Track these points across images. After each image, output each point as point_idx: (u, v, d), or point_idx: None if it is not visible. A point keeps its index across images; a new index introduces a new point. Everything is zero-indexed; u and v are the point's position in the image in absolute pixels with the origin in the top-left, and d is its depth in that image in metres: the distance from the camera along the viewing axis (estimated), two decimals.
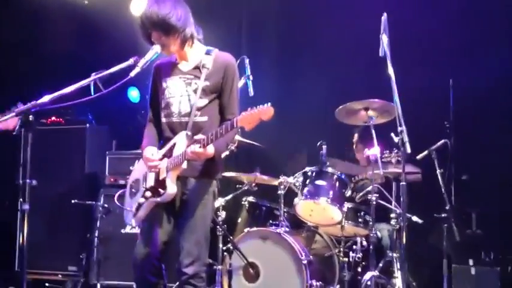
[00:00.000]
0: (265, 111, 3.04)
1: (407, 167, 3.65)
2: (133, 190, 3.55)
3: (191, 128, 3.34)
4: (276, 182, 4.91)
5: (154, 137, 3.53)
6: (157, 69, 3.53)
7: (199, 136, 3.20)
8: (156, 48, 3.32)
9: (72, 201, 5.64)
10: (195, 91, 3.38)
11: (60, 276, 5.89)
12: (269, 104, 3.05)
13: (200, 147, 3.16)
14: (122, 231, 5.63)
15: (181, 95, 3.41)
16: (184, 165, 3.26)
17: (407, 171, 3.80)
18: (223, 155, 3.73)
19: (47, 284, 5.91)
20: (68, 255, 5.87)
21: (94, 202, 5.70)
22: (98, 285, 5.52)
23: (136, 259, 3.40)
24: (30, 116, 2.80)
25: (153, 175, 3.40)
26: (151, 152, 3.40)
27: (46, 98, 2.92)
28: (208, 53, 3.45)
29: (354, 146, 5.55)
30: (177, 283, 3.42)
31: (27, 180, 2.86)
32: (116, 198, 3.63)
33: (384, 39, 3.59)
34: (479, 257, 5.04)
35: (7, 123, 3.52)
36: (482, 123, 5.62)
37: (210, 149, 3.23)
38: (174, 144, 3.35)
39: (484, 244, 5.11)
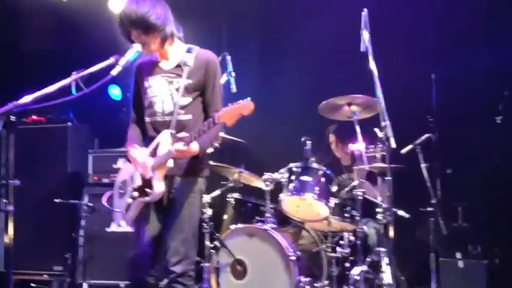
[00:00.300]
0: (245, 105, 3.04)
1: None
2: (121, 191, 3.53)
3: (175, 127, 3.33)
4: (261, 182, 4.88)
5: (138, 137, 3.51)
6: (139, 68, 3.51)
7: (183, 134, 3.20)
8: (137, 47, 3.29)
9: (56, 200, 5.60)
10: (177, 89, 3.37)
11: (45, 276, 5.84)
12: (249, 98, 3.06)
13: (184, 145, 3.16)
14: (107, 230, 5.59)
15: (164, 94, 3.40)
16: (170, 163, 3.25)
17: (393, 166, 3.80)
18: (208, 152, 3.72)
19: (32, 285, 5.86)
20: (53, 255, 5.82)
21: (78, 201, 5.67)
22: (84, 285, 5.49)
23: (130, 259, 3.39)
24: (12, 117, 2.77)
25: (139, 175, 3.38)
26: (138, 152, 3.38)
27: (28, 98, 2.88)
28: (189, 51, 3.45)
29: (333, 146, 5.53)
30: (165, 282, 3.42)
31: (10, 181, 2.82)
32: (104, 200, 3.59)
33: (365, 34, 3.61)
34: (466, 250, 5.08)
35: None
36: (465, 117, 5.65)
37: (194, 147, 3.23)
38: (158, 143, 3.33)
39: (470, 237, 5.15)
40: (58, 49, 6.76)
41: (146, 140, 3.48)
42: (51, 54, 6.70)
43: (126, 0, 3.33)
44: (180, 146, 3.16)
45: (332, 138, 5.46)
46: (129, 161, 3.46)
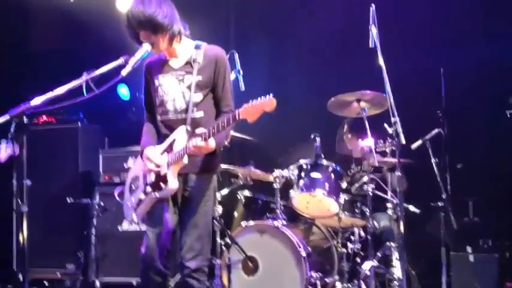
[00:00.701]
0: (268, 102, 3.05)
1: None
2: (133, 187, 3.55)
3: (190, 124, 3.34)
4: (271, 178, 4.90)
5: (154, 135, 3.52)
6: (149, 68, 3.53)
7: (201, 130, 3.20)
8: (146, 47, 3.31)
9: (68, 200, 5.64)
10: (188, 87, 3.38)
11: (58, 274, 5.91)
12: (271, 94, 3.06)
13: (202, 140, 3.16)
14: (119, 228, 5.65)
15: (175, 92, 3.41)
16: (185, 160, 3.27)
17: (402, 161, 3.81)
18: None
19: (45, 283, 5.91)
20: (66, 253, 5.88)
21: (89, 200, 5.71)
22: (97, 283, 5.53)
23: (144, 255, 3.40)
24: (25, 118, 2.80)
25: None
26: (153, 151, 3.39)
27: (39, 100, 2.91)
28: (197, 47, 3.46)
29: (345, 137, 5.53)
30: (179, 276, 3.42)
31: (24, 182, 2.86)
32: (116, 194, 3.62)
33: (373, 30, 3.60)
34: (477, 244, 5.06)
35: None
36: (475, 111, 5.64)
37: (212, 143, 3.23)
38: (174, 140, 3.35)
39: (481, 231, 5.14)
40: (66, 49, 6.78)
41: (160, 138, 3.50)
42: (59, 54, 6.72)
43: (132, 2, 3.35)
44: (198, 141, 3.17)
45: (346, 128, 5.44)
46: (142, 157, 3.47)
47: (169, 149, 3.36)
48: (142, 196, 3.43)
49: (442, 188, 4.83)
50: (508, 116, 5.18)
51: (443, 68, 5.33)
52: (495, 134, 5.55)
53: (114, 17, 5.91)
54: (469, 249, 5.05)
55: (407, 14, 5.77)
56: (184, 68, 3.43)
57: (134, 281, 5.44)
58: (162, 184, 3.34)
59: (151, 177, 3.41)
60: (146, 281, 3.44)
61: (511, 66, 5.52)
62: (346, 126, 5.44)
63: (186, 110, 3.37)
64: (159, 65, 3.49)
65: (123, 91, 6.51)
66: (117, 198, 3.62)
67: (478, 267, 4.97)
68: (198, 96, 3.38)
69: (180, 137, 3.33)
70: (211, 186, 3.46)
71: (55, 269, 5.91)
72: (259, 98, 3.07)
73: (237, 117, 3.10)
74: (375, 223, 4.78)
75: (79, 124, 6.17)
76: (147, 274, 3.42)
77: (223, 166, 4.90)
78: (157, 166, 3.35)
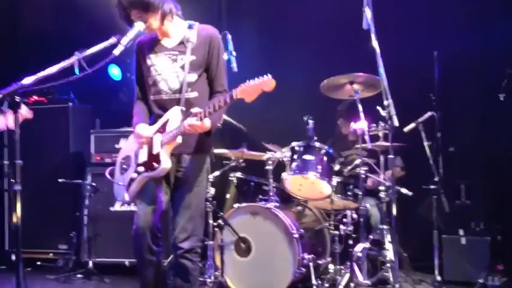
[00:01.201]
0: (267, 82, 3.04)
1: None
2: (124, 167, 3.53)
3: (184, 105, 3.33)
4: (264, 157, 4.90)
5: (145, 114, 3.50)
6: (140, 46, 3.50)
7: (197, 109, 3.18)
8: (139, 26, 3.28)
9: (59, 180, 5.63)
10: (182, 67, 3.36)
11: (51, 254, 5.92)
12: (269, 75, 3.05)
13: (197, 119, 3.15)
14: (111, 209, 5.65)
15: (169, 72, 3.39)
16: (179, 139, 3.26)
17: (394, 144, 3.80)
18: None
19: (38, 263, 5.91)
20: (58, 234, 5.90)
21: (81, 181, 5.69)
22: (90, 263, 5.54)
23: (135, 232, 3.39)
24: (17, 97, 2.78)
25: (145, 151, 3.39)
26: (144, 128, 3.38)
27: (31, 79, 2.89)
28: (190, 27, 3.44)
29: (340, 122, 5.56)
30: (172, 257, 3.41)
31: (17, 161, 2.84)
32: (107, 173, 3.59)
33: (367, 12, 3.57)
34: (469, 227, 5.11)
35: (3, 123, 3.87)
36: (468, 95, 5.64)
37: (207, 122, 3.21)
38: (168, 119, 3.33)
39: (473, 214, 5.18)
40: (56, 29, 6.72)
41: (152, 117, 3.48)
42: (50, 34, 6.67)
43: None
44: (193, 120, 3.15)
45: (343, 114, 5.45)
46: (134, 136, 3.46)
47: (162, 129, 3.35)
48: (134, 175, 3.42)
49: (435, 171, 4.84)
50: (501, 99, 5.17)
51: (437, 51, 5.31)
52: (488, 117, 5.56)
53: None
54: (461, 232, 5.09)
55: None
56: (178, 48, 3.40)
57: (127, 261, 5.46)
58: (155, 164, 3.32)
59: (143, 157, 3.40)
60: (141, 260, 3.44)
61: (505, 49, 5.52)
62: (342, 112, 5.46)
63: (179, 90, 3.35)
64: (151, 44, 3.46)
65: (115, 71, 6.45)
66: (108, 176, 3.59)
67: (470, 250, 5.01)
68: (192, 77, 3.37)
69: (173, 117, 3.31)
70: (204, 167, 3.45)
71: (48, 250, 5.92)
72: (257, 78, 3.05)
73: (234, 96, 3.09)
74: (367, 206, 4.80)
75: (70, 104, 6.14)
76: (140, 253, 3.42)
77: (216, 148, 4.89)
78: (147, 139, 3.33)
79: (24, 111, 3.96)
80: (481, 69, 5.57)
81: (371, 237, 4.70)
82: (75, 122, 6.13)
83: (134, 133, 3.43)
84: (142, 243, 3.38)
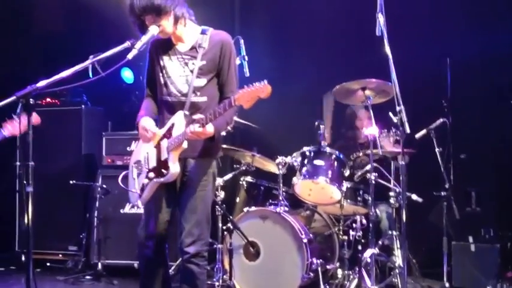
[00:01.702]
0: (263, 88, 3.04)
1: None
2: (136, 172, 3.55)
3: (189, 108, 3.35)
4: (274, 166, 4.90)
5: (152, 110, 3.52)
6: (155, 46, 3.51)
7: (198, 116, 3.20)
8: (153, 30, 3.29)
9: (71, 182, 5.67)
10: (192, 71, 3.38)
11: (60, 256, 5.95)
12: (265, 81, 3.05)
13: (199, 126, 3.17)
14: (121, 211, 5.67)
15: (179, 76, 3.41)
16: (185, 145, 3.27)
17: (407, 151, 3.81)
18: (222, 134, 3.74)
19: (48, 264, 5.95)
20: (68, 235, 5.93)
21: (92, 183, 5.72)
22: (99, 265, 5.56)
23: (141, 238, 3.44)
24: (31, 100, 2.81)
25: (154, 156, 3.41)
26: (148, 122, 3.39)
27: (45, 81, 2.91)
28: (203, 32, 3.45)
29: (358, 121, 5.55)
30: (179, 261, 3.43)
31: (29, 163, 2.87)
32: (119, 180, 3.62)
33: (380, 18, 3.57)
34: (479, 234, 5.08)
35: (14, 129, 4.03)
36: (480, 102, 5.62)
37: (210, 128, 3.23)
38: (173, 124, 3.35)
39: (483, 221, 5.15)
40: (70, 32, 6.78)
41: (159, 116, 3.49)
42: (63, 36, 6.72)
43: None
44: (195, 127, 3.17)
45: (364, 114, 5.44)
46: (138, 129, 3.46)
47: (168, 134, 3.36)
48: (146, 181, 3.44)
49: (445, 177, 4.83)
50: None
51: (450, 58, 5.30)
52: (499, 124, 5.54)
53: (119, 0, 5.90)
54: (470, 239, 5.06)
55: (415, 2, 5.74)
56: (190, 53, 3.42)
57: (136, 263, 5.45)
58: (163, 170, 3.35)
59: (153, 163, 3.42)
60: (144, 265, 3.49)
61: None
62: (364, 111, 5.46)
63: (187, 94, 3.37)
64: (166, 46, 3.48)
65: (127, 74, 6.50)
66: (120, 184, 3.61)
67: (479, 257, 4.98)
68: (201, 81, 3.38)
69: (178, 122, 3.33)
70: (209, 171, 3.45)
71: (57, 251, 5.96)
72: (253, 84, 3.06)
73: (232, 103, 3.10)
74: (377, 211, 4.79)
75: (82, 107, 6.19)
76: (144, 259, 3.46)
77: (227, 151, 4.90)
78: (151, 134, 3.35)
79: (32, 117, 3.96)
80: (493, 75, 5.55)
81: (380, 242, 4.70)
82: (88, 124, 6.17)
83: (139, 126, 3.43)
84: (146, 253, 3.42)
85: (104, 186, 5.63)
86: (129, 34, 3.33)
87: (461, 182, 5.17)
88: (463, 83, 5.47)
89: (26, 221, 2.87)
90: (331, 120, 5.13)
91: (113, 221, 5.67)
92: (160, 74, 3.46)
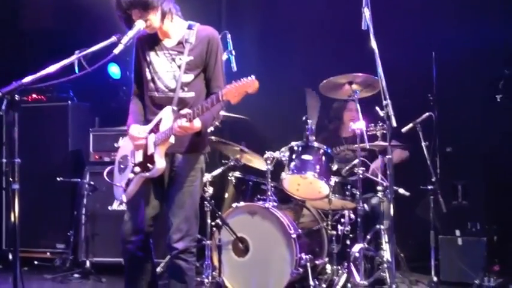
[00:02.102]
0: (250, 83, 3.05)
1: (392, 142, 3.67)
2: (121, 166, 3.55)
3: (177, 104, 3.35)
4: (262, 162, 4.90)
5: (140, 113, 3.52)
6: (141, 41, 3.50)
7: (186, 110, 3.21)
8: (139, 24, 3.28)
9: (58, 179, 5.64)
10: (179, 67, 3.38)
11: (48, 254, 5.91)
12: (253, 76, 3.06)
13: (186, 121, 3.17)
14: (109, 208, 5.63)
15: (167, 71, 3.41)
16: (172, 139, 3.28)
17: (393, 145, 3.82)
18: (209, 130, 3.74)
19: (35, 262, 5.91)
20: (56, 233, 5.90)
21: (79, 179, 5.69)
22: (87, 262, 5.53)
23: (124, 234, 3.43)
24: (16, 96, 2.78)
25: (141, 151, 3.41)
26: (137, 130, 3.39)
27: (30, 78, 2.89)
28: (190, 27, 3.45)
29: (347, 115, 5.56)
30: (168, 258, 3.42)
31: (15, 160, 2.84)
32: (105, 174, 3.61)
33: (366, 12, 3.58)
34: (466, 228, 5.12)
35: None
36: (466, 96, 5.66)
37: (197, 123, 3.24)
38: (160, 119, 3.35)
39: (470, 215, 5.19)
40: (57, 27, 6.73)
41: (147, 114, 3.49)
42: (51, 32, 6.67)
43: None
44: (182, 122, 3.18)
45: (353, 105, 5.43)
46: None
47: (155, 129, 3.36)
48: (131, 175, 3.43)
49: (432, 171, 4.86)
50: (498, 100, 5.20)
51: (435, 52, 5.33)
52: (485, 118, 5.58)
53: None
54: (457, 232, 5.11)
55: None
56: (177, 48, 3.42)
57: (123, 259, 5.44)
58: (149, 165, 3.34)
59: (139, 157, 3.41)
60: (128, 261, 3.48)
61: (503, 50, 5.54)
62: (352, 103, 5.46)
63: (175, 90, 3.37)
64: (152, 42, 3.47)
65: (114, 70, 6.46)
66: (105, 178, 3.60)
67: (466, 251, 5.03)
68: (188, 77, 3.38)
69: (166, 117, 3.33)
70: (197, 166, 3.45)
71: (45, 249, 5.92)
72: (241, 79, 3.07)
73: (220, 98, 3.10)
74: (365, 205, 4.81)
75: (69, 102, 6.14)
76: (128, 258, 3.46)
77: (215, 145, 4.89)
78: (143, 141, 3.35)
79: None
80: (478, 70, 5.58)
81: (368, 237, 4.71)
82: (74, 120, 6.13)
83: (128, 135, 3.44)
84: (130, 249, 3.41)
85: (92, 183, 5.60)
86: (116, 30, 3.32)
87: (447, 175, 5.19)
88: (448, 77, 5.49)
89: (12, 219, 2.85)
90: (316, 116, 5.15)
91: (101, 218, 5.64)
92: (147, 70, 3.45)
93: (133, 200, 3.45)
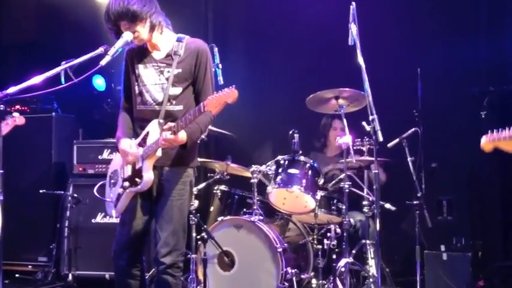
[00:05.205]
0: (229, 94, 3.04)
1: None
2: (112, 181, 3.53)
3: (164, 117, 3.33)
4: (248, 173, 4.89)
5: (129, 126, 3.51)
6: (130, 54, 3.50)
7: (170, 124, 3.19)
8: (126, 36, 3.28)
9: (41, 191, 5.57)
10: (167, 79, 3.36)
11: (30, 267, 5.82)
12: (233, 86, 3.06)
13: (171, 134, 3.16)
14: (93, 221, 5.57)
15: (155, 84, 3.40)
16: (159, 153, 3.26)
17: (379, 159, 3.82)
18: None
19: (17, 275, 5.81)
20: (38, 246, 5.82)
21: (63, 192, 5.63)
22: (70, 276, 5.45)
23: (116, 250, 3.39)
24: (1, 106, 2.76)
25: (130, 165, 3.38)
26: (128, 144, 3.37)
27: (15, 88, 2.87)
28: (179, 40, 3.44)
29: (332, 133, 5.56)
30: (153, 271, 3.39)
31: None
32: (95, 190, 3.58)
33: (353, 28, 3.61)
34: (451, 243, 5.12)
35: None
36: (451, 112, 5.70)
37: (182, 135, 3.22)
38: (148, 133, 3.33)
39: (455, 230, 5.20)
40: (40, 39, 6.69)
41: (135, 127, 3.48)
42: (34, 43, 6.64)
43: None
44: (167, 135, 3.17)
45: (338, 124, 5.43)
46: (118, 150, 3.45)
47: (143, 142, 3.35)
48: (121, 190, 3.41)
49: (418, 186, 4.87)
50: (483, 116, 5.24)
51: (421, 68, 5.37)
52: (469, 134, 5.59)
53: (89, 6, 5.86)
54: (442, 247, 5.10)
55: (386, 13, 5.81)
56: (165, 60, 3.41)
57: (107, 274, 5.37)
58: (137, 179, 3.32)
59: (128, 172, 3.40)
60: (118, 276, 3.45)
61: (487, 67, 5.60)
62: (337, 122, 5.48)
63: (162, 103, 3.35)
64: (141, 54, 3.46)
65: (99, 82, 6.42)
66: (96, 194, 3.58)
67: (451, 266, 5.02)
68: (176, 90, 3.37)
69: (153, 130, 3.32)
70: (186, 180, 3.42)
71: (27, 262, 5.83)
72: (222, 90, 3.07)
73: (202, 109, 3.09)
74: (351, 220, 4.81)
75: (53, 114, 6.09)
76: (119, 270, 3.42)
77: (200, 160, 4.87)
78: (134, 157, 3.32)
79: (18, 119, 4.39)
80: (463, 86, 5.63)
81: (354, 252, 4.71)
82: (58, 132, 6.07)
83: (119, 149, 3.42)
84: (121, 265, 3.39)
85: (75, 195, 5.53)
86: (101, 41, 3.30)
87: (433, 191, 5.21)
88: (434, 93, 5.53)
89: None
90: None
91: (84, 231, 5.56)
92: (136, 83, 3.44)
93: (124, 215, 3.43)
